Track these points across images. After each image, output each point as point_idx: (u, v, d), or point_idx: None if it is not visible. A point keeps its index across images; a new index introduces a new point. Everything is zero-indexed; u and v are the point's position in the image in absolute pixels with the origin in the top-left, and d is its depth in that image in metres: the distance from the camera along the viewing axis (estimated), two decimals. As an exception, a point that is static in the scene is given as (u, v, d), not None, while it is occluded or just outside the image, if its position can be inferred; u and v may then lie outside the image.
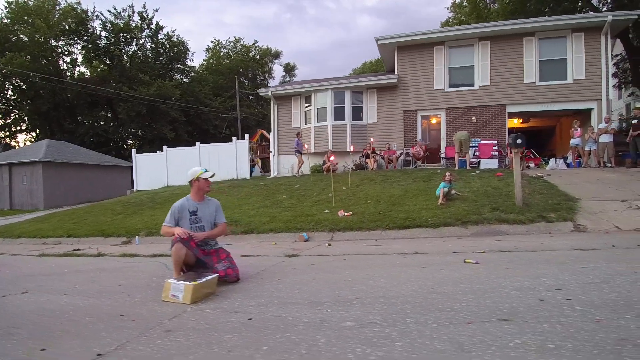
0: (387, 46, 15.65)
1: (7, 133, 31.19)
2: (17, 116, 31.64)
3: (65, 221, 11.80)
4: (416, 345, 2.09)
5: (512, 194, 7.94)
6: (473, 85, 14.73)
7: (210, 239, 4.17)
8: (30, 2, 29.79)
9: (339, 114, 16.03)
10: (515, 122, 17.40)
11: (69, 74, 34.66)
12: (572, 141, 12.93)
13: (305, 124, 16.81)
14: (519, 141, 6.99)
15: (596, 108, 13.51)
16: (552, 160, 12.89)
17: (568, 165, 13.44)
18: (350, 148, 15.86)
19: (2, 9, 29.00)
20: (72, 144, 25.19)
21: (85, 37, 32.46)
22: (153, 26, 35.71)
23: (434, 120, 15.55)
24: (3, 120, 30.74)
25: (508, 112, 14.45)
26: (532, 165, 14.20)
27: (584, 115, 13.99)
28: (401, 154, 15.19)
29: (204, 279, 3.48)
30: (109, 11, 34.26)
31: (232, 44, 45.63)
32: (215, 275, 3.66)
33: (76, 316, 3.15)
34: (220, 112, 35.86)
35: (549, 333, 2.11)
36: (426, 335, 2.23)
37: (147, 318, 2.99)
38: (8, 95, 30.19)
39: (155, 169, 19.17)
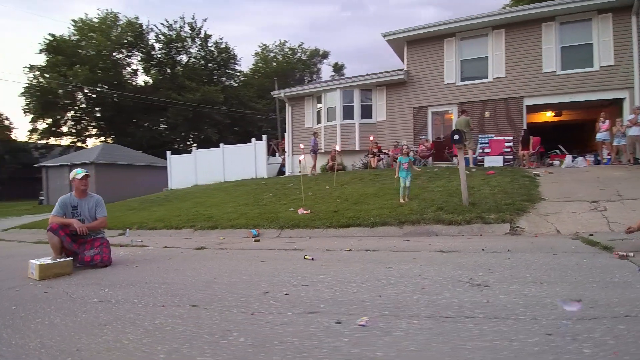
0: (396, 42, 15.39)
1: (79, 138, 35.77)
2: (86, 122, 36.13)
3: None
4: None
5: (479, 193, 7.66)
6: (486, 77, 13.92)
7: (93, 230, 4.77)
8: (94, 20, 33.92)
9: (347, 112, 16.12)
10: (547, 116, 16.05)
11: (132, 82, 38.66)
12: (598, 135, 11.74)
13: (317, 123, 17.14)
14: (455, 137, 6.71)
15: (628, 97, 12.03)
16: (568, 158, 11.76)
17: (598, 162, 12.20)
18: (358, 147, 15.92)
19: (70, 27, 32.99)
20: (124, 147, 28.21)
21: (142, 49, 35.98)
22: (202, 35, 38.41)
23: (445, 116, 14.96)
24: (75, 127, 35.30)
25: (526, 105, 13.41)
26: (556, 162, 13.04)
27: (617, 107, 12.53)
28: (409, 152, 14.82)
29: (54, 261, 4.09)
30: (162, 24, 37.63)
31: (278, 47, 47.32)
32: (67, 259, 4.27)
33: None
34: (261, 114, 37.48)
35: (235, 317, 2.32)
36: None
37: (17, 285, 3.66)
38: (79, 104, 34.56)
39: (186, 169, 20.78)
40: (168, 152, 21.86)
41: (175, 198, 14.37)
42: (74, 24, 33.32)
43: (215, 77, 41.43)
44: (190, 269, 4.13)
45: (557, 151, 13.80)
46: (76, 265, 4.54)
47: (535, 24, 13.10)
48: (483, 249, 4.15)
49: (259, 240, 6.83)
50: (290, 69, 45.04)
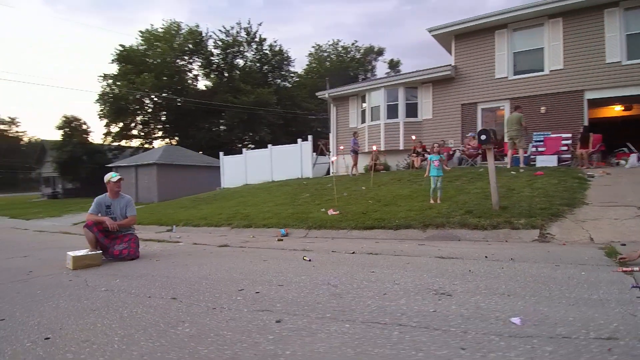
0: (443, 36, 14.89)
1: (146, 140, 39.14)
2: (153, 125, 39.39)
3: (145, 212, 14.80)
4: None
5: (517, 196, 7.34)
6: (542, 70, 12.94)
7: (123, 227, 5.34)
8: (159, 30, 36.87)
9: (392, 111, 15.91)
10: (616, 110, 14.50)
11: (194, 87, 41.41)
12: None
13: (362, 123, 17.13)
14: (482, 137, 6.39)
15: None
16: (633, 157, 10.56)
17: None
18: (402, 146, 15.64)
19: (138, 38, 36.24)
20: (184, 148, 30.34)
21: (202, 55, 38.40)
22: (257, 39, 40.02)
23: (496, 113, 14.16)
24: (144, 130, 38.69)
25: (587, 99, 12.25)
26: (622, 161, 11.78)
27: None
28: (454, 151, 14.31)
29: (86, 253, 4.67)
30: (220, 30, 39.82)
31: (331, 46, 47.72)
32: (97, 252, 4.84)
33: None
34: (313, 114, 38.11)
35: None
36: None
37: (53, 274, 4.30)
38: (146, 109, 37.82)
39: (237, 169, 21.87)
40: (221, 153, 23.13)
41: (223, 197, 15.23)
42: (141, 34, 36.61)
43: (270, 79, 42.93)
44: (197, 265, 4.48)
45: (625, 149, 12.40)
46: (107, 258, 5.13)
47: (596, 11, 11.91)
48: (486, 257, 3.99)
49: (282, 240, 7.07)
50: (343, 68, 45.19)
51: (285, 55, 42.15)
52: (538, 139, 12.44)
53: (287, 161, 19.55)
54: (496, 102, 13.97)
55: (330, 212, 8.84)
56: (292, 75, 44.08)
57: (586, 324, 1.95)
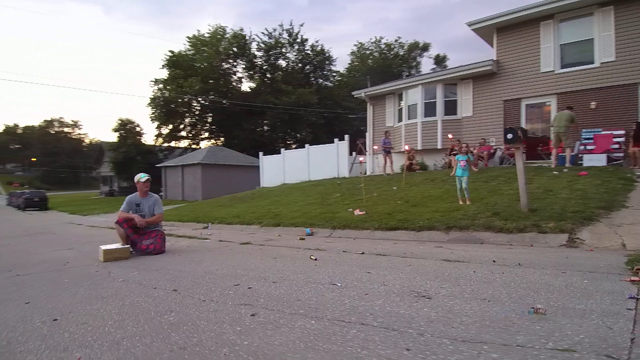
0: (484, 30, 14.32)
1: (194, 141, 41.18)
2: (200, 127, 41.34)
3: (186, 210, 15.66)
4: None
5: (552, 197, 7.00)
6: (592, 62, 12.05)
7: (151, 224, 5.77)
8: (206, 35, 38.63)
9: (429, 109, 15.57)
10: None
11: (238, 89, 42.92)
12: None
13: (398, 122, 16.92)
14: (509, 136, 6.13)
15: None
16: (698, 156, 9.54)
17: None
18: (440, 145, 15.26)
19: (185, 44, 38.26)
20: (227, 148, 31.57)
21: (245, 58, 39.72)
22: (299, 40, 40.67)
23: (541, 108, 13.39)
24: (191, 132, 40.72)
25: (645, 93, 11.25)
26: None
27: None
28: (496, 150, 13.73)
29: (115, 247, 5.12)
30: (262, 33, 40.93)
31: (374, 44, 47.32)
32: (125, 246, 5.28)
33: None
34: (354, 113, 38.01)
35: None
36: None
37: (86, 265, 4.81)
38: (194, 111, 39.78)
39: (276, 169, 22.41)
40: (260, 153, 23.80)
41: (259, 196, 15.73)
42: (188, 40, 38.61)
43: (312, 79, 43.43)
44: (211, 260, 4.76)
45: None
46: (136, 252, 5.57)
47: (653, -4, 10.89)
48: (494, 261, 3.87)
49: (304, 239, 7.23)
50: (386, 65, 44.65)
51: (327, 54, 42.47)
52: (587, 137, 11.60)
53: (324, 161, 19.71)
54: (541, 98, 13.20)
55: (357, 212, 8.88)
56: (333, 74, 44.36)
57: (551, 333, 1.89)
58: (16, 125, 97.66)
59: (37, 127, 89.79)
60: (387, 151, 15.13)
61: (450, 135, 13.72)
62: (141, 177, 5.94)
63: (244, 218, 10.92)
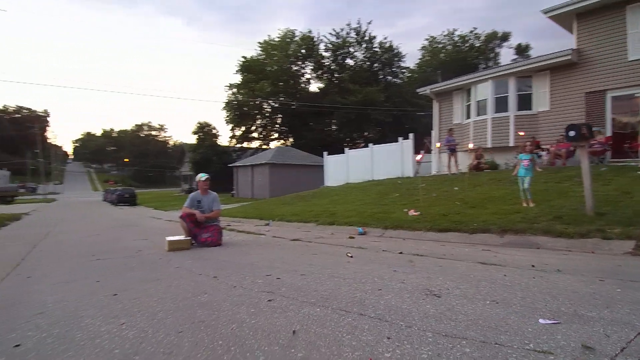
0: (562, 17, 13.20)
1: (264, 141, 43.35)
2: (270, 128, 43.39)
3: (251, 208, 16.71)
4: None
5: (629, 200, 6.44)
6: (696, 45, 10.53)
7: (209, 219, 6.44)
8: (276, 39, 40.42)
9: (501, 104, 14.76)
10: None
11: (306, 89, 44.23)
12: None
13: (467, 119, 16.28)
14: (571, 133, 5.71)
15: None
16: None
17: None
18: (512, 142, 14.38)
19: (256, 49, 40.42)
20: (294, 148, 32.73)
21: (313, 59, 40.79)
22: (367, 38, 40.70)
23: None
24: (262, 133, 42.94)
25: None
26: None
27: None
28: (575, 147, 12.59)
29: (178, 239, 5.84)
30: (330, 33, 41.64)
31: (446, 37, 45.50)
32: (187, 238, 5.97)
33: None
34: (424, 110, 37.01)
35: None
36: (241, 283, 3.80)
37: (153, 253, 5.62)
38: (264, 113, 41.88)
39: (339, 168, 22.78)
40: (325, 153, 24.33)
41: (320, 195, 16.21)
42: (260, 45, 40.77)
43: (381, 77, 43.16)
44: (256, 253, 5.21)
45: None
46: (197, 243, 6.26)
47: None
48: (532, 266, 3.75)
49: (353, 238, 7.44)
50: (460, 59, 42.71)
51: (396, 51, 41.90)
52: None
53: (388, 160, 19.58)
54: (630, 89, 11.80)
55: (411, 212, 8.85)
56: (403, 71, 43.60)
57: (538, 336, 1.92)
58: (112, 130, 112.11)
59: (129, 131, 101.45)
60: (452, 150, 14.64)
61: (521, 133, 12.89)
62: (201, 176, 6.63)
63: (302, 216, 11.38)
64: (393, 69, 43.79)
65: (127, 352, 1.94)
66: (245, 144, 43.18)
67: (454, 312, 2.33)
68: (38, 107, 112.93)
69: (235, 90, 40.28)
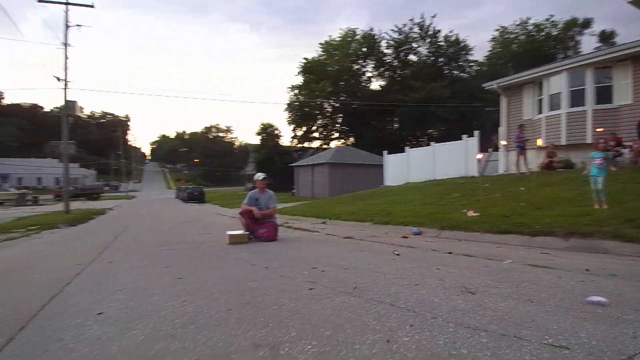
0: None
1: (325, 141, 44.09)
2: (331, 128, 44.00)
3: (309, 207, 17.22)
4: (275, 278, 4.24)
5: None
6: None
7: (266, 216, 6.92)
8: (337, 39, 40.92)
9: (577, 98, 13.72)
10: None
11: (367, 88, 44.20)
12: None
13: (538, 114, 15.34)
14: (646, 129, 5.26)
15: None
16: None
17: None
18: (590, 139, 13.31)
19: (317, 50, 41.21)
20: (353, 148, 32.93)
21: (374, 57, 40.65)
22: (431, 32, 39.68)
23: None
24: (323, 133, 43.69)
25: None
26: None
27: None
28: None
29: (237, 233, 6.39)
30: (392, 30, 41.20)
31: (519, 27, 42.73)
32: (245, 233, 6.52)
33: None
34: (492, 106, 35.19)
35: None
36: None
37: (215, 245, 6.25)
38: (325, 113, 42.58)
39: (400, 167, 22.59)
40: (384, 152, 24.25)
41: (378, 195, 16.27)
42: (320, 46, 41.59)
43: (446, 72, 41.81)
44: (308, 249, 5.55)
45: None
46: (254, 238, 6.76)
47: None
48: (587, 270, 3.63)
49: (406, 237, 7.51)
50: (534, 49, 39.89)
51: (462, 44, 40.31)
52: None
53: (451, 159, 19.06)
54: None
55: (470, 213, 8.68)
56: (470, 64, 41.83)
57: (560, 333, 1.97)
58: (184, 132, 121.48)
59: (199, 133, 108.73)
60: (521, 147, 13.88)
61: (600, 129, 11.89)
62: (259, 176, 7.16)
63: (359, 215, 11.57)
64: (459, 63, 42.21)
65: (185, 322, 2.35)
66: (306, 144, 44.29)
67: (483, 308, 2.43)
68: (120, 113, 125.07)
69: (296, 91, 41.53)
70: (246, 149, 56.48)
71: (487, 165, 18.40)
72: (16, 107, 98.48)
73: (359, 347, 1.85)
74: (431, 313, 2.34)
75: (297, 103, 40.32)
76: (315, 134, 43.87)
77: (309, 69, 40.60)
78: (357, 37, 40.80)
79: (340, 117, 43.45)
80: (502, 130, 17.27)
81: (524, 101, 16.11)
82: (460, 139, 19.00)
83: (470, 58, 42.35)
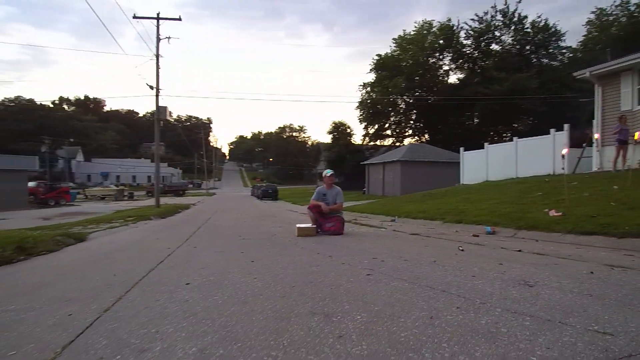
0: None
1: (397, 139, 43.45)
2: (404, 125, 43.26)
3: (379, 204, 17.33)
4: (326, 266, 4.71)
5: None
6: None
7: (333, 211, 7.30)
8: (411, 33, 40.07)
9: (691, 84, 12.14)
10: None
11: (444, 82, 42.72)
12: None
13: (638, 105, 13.81)
14: None
15: None
16: None
17: None
18: None
19: (391, 45, 40.72)
20: (427, 145, 32.09)
21: (452, 49, 39.14)
22: (515, 19, 37.17)
23: None
24: (395, 130, 43.16)
25: None
26: None
27: None
28: None
29: (306, 226, 6.86)
30: (472, 19, 39.18)
31: (618, 7, 37.99)
32: (313, 226, 6.95)
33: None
34: (587, 97, 31.93)
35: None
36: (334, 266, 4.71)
37: (284, 237, 6.82)
38: (398, 110, 41.98)
39: (478, 165, 21.67)
40: (461, 149, 23.39)
41: (451, 193, 15.86)
42: (394, 41, 41.06)
43: (533, 60, 38.87)
44: (372, 242, 5.80)
45: None
46: (321, 231, 7.17)
47: None
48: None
49: (477, 236, 7.39)
50: (636, 31, 35.28)
51: (552, 29, 37.07)
52: None
53: (536, 155, 17.89)
54: None
55: (552, 213, 8.24)
56: (562, 51, 38.32)
57: (609, 322, 2.00)
58: (259, 132, 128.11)
59: (273, 133, 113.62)
60: (622, 141, 12.59)
61: None
62: (327, 172, 7.57)
63: (429, 214, 11.46)
64: (549, 51, 38.85)
65: (255, 293, 2.80)
66: (378, 142, 44.09)
67: (537, 298, 2.49)
68: (203, 115, 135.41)
69: (368, 89, 41.54)
70: (318, 147, 57.77)
71: (579, 162, 16.93)
72: (115, 113, 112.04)
73: (403, 321, 2.08)
74: (480, 299, 2.47)
75: (369, 101, 40.27)
76: (388, 132, 43.49)
77: (382, 65, 40.32)
78: (434, 29, 39.54)
79: (414, 113, 42.56)
80: (595, 123, 15.74)
81: (622, 90, 14.53)
82: (548, 133, 17.72)
83: (562, 45, 38.84)
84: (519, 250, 4.88)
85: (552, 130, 17.82)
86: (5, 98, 75.15)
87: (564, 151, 10.46)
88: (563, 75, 35.39)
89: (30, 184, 28.73)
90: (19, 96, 73.65)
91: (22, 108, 69.04)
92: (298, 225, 7.06)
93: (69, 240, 6.69)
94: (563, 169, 12.43)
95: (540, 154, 17.63)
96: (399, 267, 3.66)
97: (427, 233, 7.65)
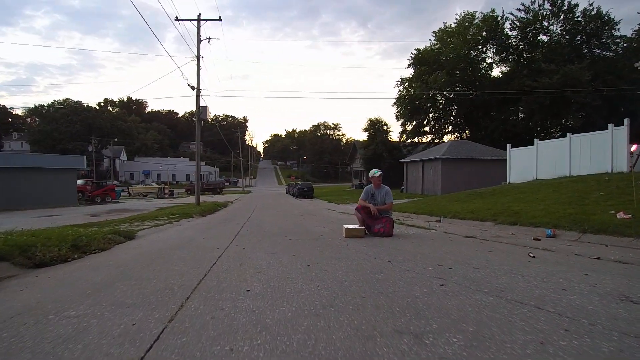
0: None
1: (437, 135, 42.24)
2: (444, 121, 42.00)
3: (422, 204, 16.83)
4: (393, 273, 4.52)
5: None
6: None
7: (382, 211, 7.04)
8: (452, 26, 38.78)
9: None
10: None
11: (488, 76, 41.12)
12: None
13: None
14: None
15: None
16: None
17: None
18: None
19: (430, 39, 39.61)
20: (470, 142, 30.94)
21: (496, 41, 37.58)
22: (565, 8, 35.21)
23: None
24: (435, 126, 41.98)
25: None
26: None
27: None
28: None
29: (354, 227, 6.64)
30: (517, 9, 37.38)
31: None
32: (361, 227, 6.72)
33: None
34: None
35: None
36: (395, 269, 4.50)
37: (332, 238, 6.66)
38: (438, 106, 40.79)
39: (526, 162, 20.64)
40: (508, 145, 22.36)
41: (500, 192, 15.16)
42: (434, 34, 39.91)
43: (585, 51, 36.67)
44: (428, 245, 5.52)
45: None
46: (370, 233, 6.93)
47: None
48: None
49: (539, 240, 6.91)
50: None
51: (606, 17, 34.75)
52: None
53: (592, 152, 16.81)
54: None
55: (620, 215, 7.61)
56: (617, 41, 35.84)
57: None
58: (294, 131, 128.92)
59: (308, 131, 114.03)
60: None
61: None
62: (375, 172, 7.33)
63: (479, 214, 10.95)
64: (603, 41, 36.46)
65: (325, 304, 2.59)
66: (416, 139, 43.07)
67: (574, 294, 2.26)
68: (239, 115, 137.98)
69: (406, 84, 40.60)
70: (353, 145, 57.33)
71: (638, 159, 15.69)
72: (156, 114, 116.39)
73: (510, 347, 1.81)
74: (588, 319, 2.15)
75: (407, 96, 39.37)
76: (426, 128, 42.35)
77: (421, 60, 39.27)
78: (476, 21, 38.01)
79: (454, 109, 41.20)
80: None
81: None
82: (602, 128, 16.55)
83: (617, 34, 36.36)
84: (598, 258, 4.44)
85: (610, 125, 16.66)
86: (55, 100, 79.61)
87: (634, 147, 9.64)
88: (618, 66, 33.19)
89: (79, 182, 30.25)
90: (67, 98, 77.71)
91: (71, 110, 72.78)
92: (346, 226, 6.84)
93: (118, 238, 6.80)
94: (632, 167, 11.52)
95: (597, 151, 16.56)
96: (472, 276, 3.36)
97: (482, 236, 7.24)
